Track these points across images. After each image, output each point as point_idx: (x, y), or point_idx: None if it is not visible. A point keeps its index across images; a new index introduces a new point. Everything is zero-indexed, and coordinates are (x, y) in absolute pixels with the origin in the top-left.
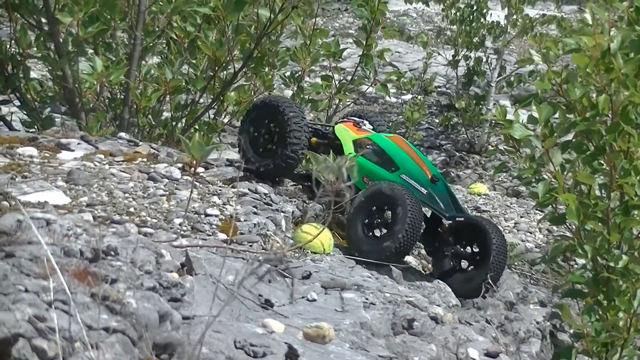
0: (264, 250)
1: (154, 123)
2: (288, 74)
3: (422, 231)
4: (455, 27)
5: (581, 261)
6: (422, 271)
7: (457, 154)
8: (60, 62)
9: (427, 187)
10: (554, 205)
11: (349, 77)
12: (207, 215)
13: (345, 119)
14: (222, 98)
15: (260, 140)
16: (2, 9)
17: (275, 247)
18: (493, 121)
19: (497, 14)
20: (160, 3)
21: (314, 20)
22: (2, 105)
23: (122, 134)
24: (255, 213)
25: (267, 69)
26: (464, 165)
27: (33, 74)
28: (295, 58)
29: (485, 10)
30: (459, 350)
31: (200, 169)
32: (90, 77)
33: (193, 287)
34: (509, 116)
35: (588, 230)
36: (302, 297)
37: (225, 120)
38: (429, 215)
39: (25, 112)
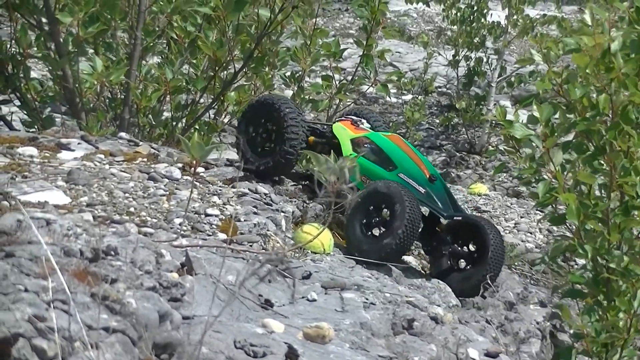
0: (264, 251)
1: (154, 123)
2: (288, 74)
3: (420, 229)
4: (455, 27)
5: (581, 261)
6: (422, 271)
7: (457, 154)
8: (61, 62)
9: (425, 186)
10: (553, 206)
11: (350, 77)
12: (207, 215)
13: (343, 118)
14: (222, 98)
15: (257, 139)
16: (3, 8)
17: (275, 247)
18: (493, 121)
19: (497, 14)
20: (161, 3)
21: (314, 20)
22: (3, 105)
23: (123, 134)
24: (255, 213)
25: (267, 69)
26: (465, 165)
27: (33, 74)
28: (295, 58)
29: (485, 11)
30: (459, 351)
31: (200, 169)
32: (90, 77)
33: (193, 287)
34: (509, 116)
35: (588, 230)
36: (302, 297)
37: (226, 120)
38: (426, 214)
39: (25, 112)
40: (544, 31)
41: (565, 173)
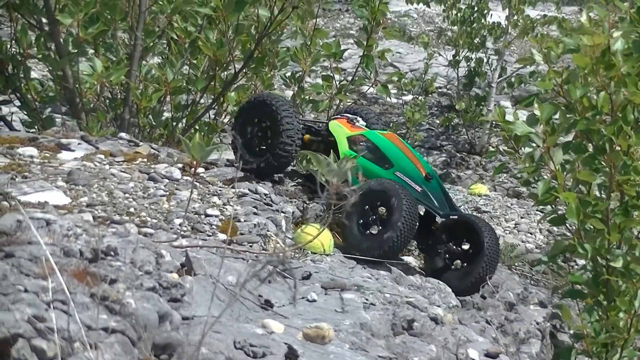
0: (264, 251)
1: (154, 123)
2: (289, 74)
3: (417, 225)
4: (456, 27)
5: (581, 262)
6: (422, 272)
7: (457, 154)
8: (61, 62)
9: (421, 185)
10: (553, 206)
11: (350, 78)
12: (207, 215)
13: (338, 116)
14: (222, 98)
15: (253, 138)
16: (3, 9)
17: (275, 248)
18: (494, 122)
19: (497, 15)
20: (160, 3)
21: (314, 20)
22: (3, 106)
23: (123, 134)
24: (255, 213)
25: (267, 70)
26: (465, 166)
27: (33, 74)
28: (295, 58)
29: (486, 11)
30: (458, 351)
31: (200, 170)
32: (90, 77)
33: (193, 288)
34: (509, 117)
35: (588, 230)
36: (302, 298)
37: (226, 121)
38: (422, 213)
39: (25, 112)
40: (545, 32)
41: (565, 173)
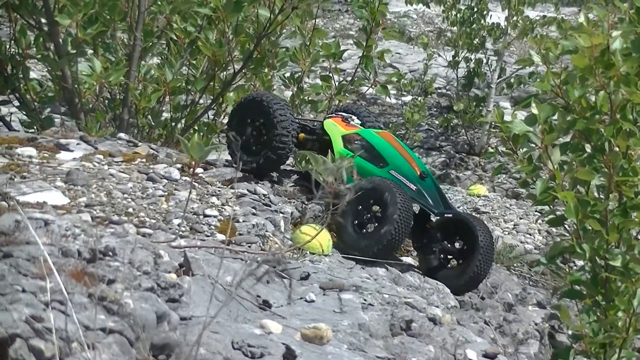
0: (262, 251)
1: (153, 124)
2: (288, 74)
3: (412, 218)
4: (455, 28)
5: (580, 263)
6: (420, 272)
7: (456, 155)
8: (60, 63)
9: (416, 183)
10: (551, 206)
11: (349, 78)
12: (205, 216)
13: (333, 114)
14: (221, 99)
15: (248, 137)
16: (2, 9)
17: (273, 248)
18: (493, 123)
19: (497, 16)
20: (159, 3)
21: (313, 21)
22: (2, 106)
23: (122, 135)
24: (254, 214)
25: (266, 70)
26: (464, 166)
27: (32, 75)
28: (294, 59)
29: (485, 12)
30: (457, 352)
31: (199, 170)
32: (89, 77)
33: (191, 288)
34: (507, 118)
35: (587, 230)
36: (301, 298)
37: (225, 121)
38: (417, 211)
39: (24, 113)
40: (544, 32)
41: (563, 174)
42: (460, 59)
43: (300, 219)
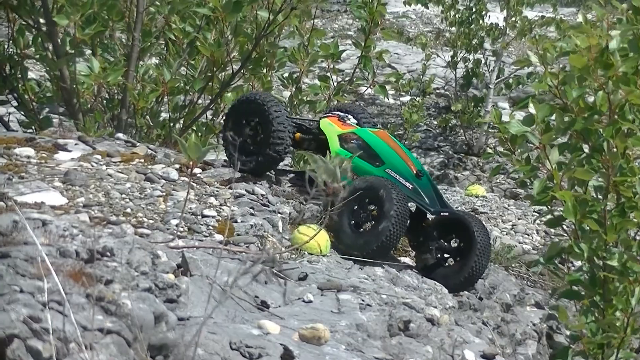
0: (260, 252)
1: (151, 124)
2: (286, 75)
3: (409, 213)
4: (454, 28)
5: (578, 263)
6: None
7: (455, 155)
8: (58, 63)
9: (412, 182)
10: (549, 207)
11: (348, 79)
12: (203, 216)
13: (329, 114)
14: (220, 99)
15: (245, 137)
16: (0, 9)
17: (270, 248)
18: (491, 123)
19: (496, 16)
20: (158, 3)
21: (312, 21)
22: (0, 106)
23: (120, 135)
24: (252, 214)
25: (265, 70)
26: (462, 167)
27: (31, 75)
28: (293, 59)
29: (484, 12)
30: (455, 352)
31: (197, 170)
32: (87, 78)
33: (189, 288)
34: (505, 119)
35: (585, 230)
36: (298, 299)
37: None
38: (413, 210)
39: (22, 113)
40: (542, 33)
41: (561, 173)
42: (458, 59)
43: (298, 219)
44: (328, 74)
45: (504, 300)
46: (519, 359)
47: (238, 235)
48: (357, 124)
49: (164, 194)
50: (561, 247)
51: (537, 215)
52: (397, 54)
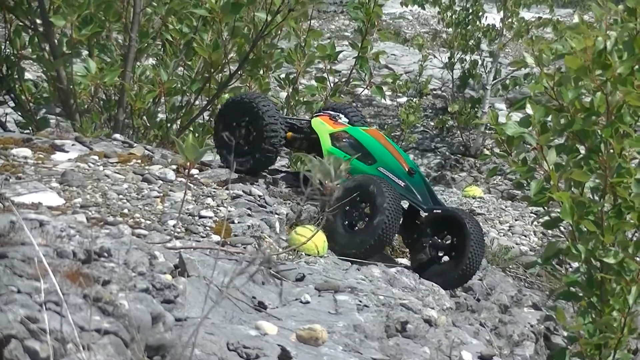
0: (257, 252)
1: (148, 124)
2: (283, 76)
3: (401, 207)
4: (451, 29)
5: (576, 264)
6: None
7: (452, 156)
8: (55, 64)
9: (405, 180)
10: (546, 208)
11: (345, 80)
12: (201, 217)
13: (321, 113)
14: (217, 100)
15: (237, 137)
16: None
17: (267, 249)
18: (488, 124)
19: (492, 17)
20: (154, 4)
21: (308, 22)
22: None
23: (117, 136)
24: (249, 215)
25: (262, 72)
26: (459, 168)
27: (28, 75)
28: (289, 60)
29: (481, 13)
30: (452, 353)
31: (194, 171)
32: (84, 78)
33: (186, 289)
34: (502, 120)
35: (582, 231)
36: (296, 299)
37: None
38: (406, 207)
39: (19, 113)
40: (539, 34)
41: (558, 174)
42: (455, 60)
43: (295, 220)
44: (325, 75)
45: (502, 301)
46: None
47: (235, 236)
48: (348, 123)
49: (161, 194)
50: (558, 249)
51: (535, 216)
52: (394, 55)
